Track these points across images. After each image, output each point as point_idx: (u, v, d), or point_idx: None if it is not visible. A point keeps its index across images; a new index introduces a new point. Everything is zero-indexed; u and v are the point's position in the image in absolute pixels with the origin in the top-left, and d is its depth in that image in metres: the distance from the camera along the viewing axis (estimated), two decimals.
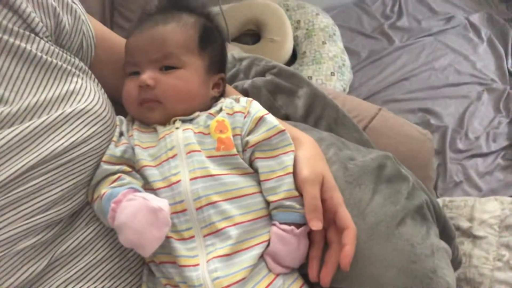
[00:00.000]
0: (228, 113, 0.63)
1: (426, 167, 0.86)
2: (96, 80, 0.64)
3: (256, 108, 0.64)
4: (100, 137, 0.58)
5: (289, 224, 0.58)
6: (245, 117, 0.62)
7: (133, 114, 0.65)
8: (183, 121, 0.62)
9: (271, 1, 1.71)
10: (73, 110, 0.56)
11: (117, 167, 0.59)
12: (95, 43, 0.66)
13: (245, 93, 0.82)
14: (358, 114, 0.86)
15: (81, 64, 0.62)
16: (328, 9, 1.81)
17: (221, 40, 0.70)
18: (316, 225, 0.56)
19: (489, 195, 1.21)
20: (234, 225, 0.56)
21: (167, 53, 0.63)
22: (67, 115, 0.55)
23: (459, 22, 1.79)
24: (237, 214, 0.57)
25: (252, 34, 1.72)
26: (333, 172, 0.64)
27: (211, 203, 0.56)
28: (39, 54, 0.57)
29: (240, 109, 0.63)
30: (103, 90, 0.64)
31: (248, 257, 0.56)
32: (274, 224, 0.59)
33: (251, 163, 0.61)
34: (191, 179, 0.57)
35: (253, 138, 0.61)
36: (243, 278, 0.55)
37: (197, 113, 0.63)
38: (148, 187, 0.59)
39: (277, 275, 0.58)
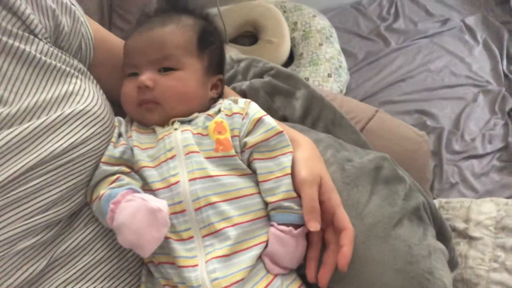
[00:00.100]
0: (226, 114, 0.63)
1: (423, 169, 0.86)
2: (94, 81, 0.64)
3: (255, 110, 0.64)
4: (99, 138, 0.59)
5: (287, 225, 0.58)
6: (243, 118, 0.63)
7: (131, 115, 0.66)
8: (182, 122, 0.63)
9: (268, 3, 1.72)
10: (72, 111, 0.56)
11: (116, 168, 0.59)
12: (93, 45, 0.66)
13: (243, 94, 0.82)
14: (355, 115, 0.86)
15: (80, 65, 0.63)
16: (325, 11, 1.82)
17: (219, 41, 0.71)
18: (314, 226, 0.57)
19: (485, 196, 1.22)
20: (233, 225, 0.56)
21: (166, 55, 0.63)
22: (66, 116, 0.56)
23: (455, 25, 1.80)
24: (236, 215, 0.57)
25: (250, 36, 1.72)
26: (331, 173, 0.64)
27: (210, 204, 0.56)
28: (38, 55, 0.57)
29: (239, 111, 0.63)
30: (101, 91, 0.64)
31: (247, 258, 0.56)
32: (272, 225, 0.59)
33: (249, 164, 0.62)
34: (190, 180, 0.57)
35: (251, 139, 0.61)
36: (242, 279, 0.55)
37: (195, 114, 0.64)
38: (147, 188, 0.59)
39: (275, 275, 0.58)
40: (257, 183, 0.61)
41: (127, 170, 0.60)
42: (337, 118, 0.80)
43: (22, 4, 0.56)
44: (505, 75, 1.63)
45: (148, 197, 0.54)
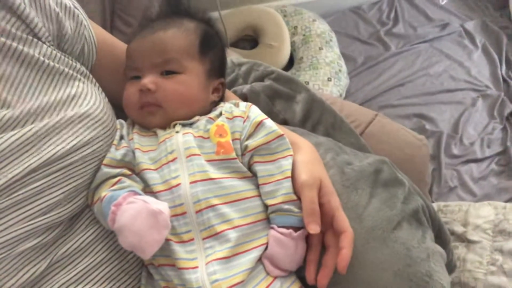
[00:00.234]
0: (227, 118, 0.63)
1: (422, 172, 0.87)
2: (97, 84, 0.64)
3: (256, 113, 0.64)
4: (101, 140, 0.59)
5: (287, 227, 0.59)
6: (244, 122, 0.63)
7: (133, 118, 0.66)
8: (183, 125, 0.63)
9: (269, 7, 1.73)
10: (74, 114, 0.57)
11: (117, 170, 0.59)
12: (96, 48, 0.67)
13: (244, 98, 0.83)
14: (355, 119, 0.87)
15: (83, 68, 0.63)
16: (325, 15, 1.83)
17: (221, 45, 0.71)
18: (314, 228, 0.57)
19: (483, 200, 1.22)
20: (233, 228, 0.57)
21: (168, 58, 0.63)
22: (68, 119, 0.56)
23: (454, 29, 1.81)
24: (236, 217, 0.58)
25: (250, 40, 1.73)
26: (331, 176, 0.64)
27: (211, 206, 0.57)
28: (41, 58, 0.57)
29: (240, 114, 0.64)
30: (104, 94, 0.64)
31: (247, 260, 0.56)
32: (272, 228, 0.59)
33: (250, 167, 0.62)
34: (190, 183, 0.57)
35: (252, 143, 0.61)
36: (242, 281, 0.55)
37: (197, 117, 0.64)
38: (148, 190, 0.59)
39: (275, 278, 0.58)
40: (257, 186, 0.61)
41: (129, 172, 0.60)
42: (337, 121, 0.81)
43: (26, 7, 0.57)
44: (504, 80, 1.64)
45: (149, 199, 0.55)
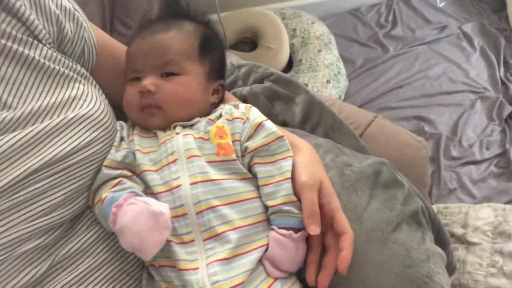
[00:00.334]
0: (227, 119, 0.64)
1: (421, 174, 0.87)
2: (97, 86, 0.65)
3: (255, 114, 0.65)
4: (101, 142, 0.59)
5: (287, 228, 0.59)
6: (244, 123, 0.63)
7: (133, 120, 0.66)
8: (183, 127, 0.63)
9: (268, 10, 1.73)
10: (75, 116, 0.57)
11: (118, 172, 0.59)
12: (96, 50, 0.67)
13: (244, 99, 0.83)
14: (354, 121, 0.87)
15: (83, 70, 0.63)
16: (324, 18, 1.83)
17: (220, 47, 0.72)
18: (314, 230, 0.57)
19: (482, 202, 1.23)
20: (233, 229, 0.57)
21: (168, 60, 0.64)
22: (69, 120, 0.56)
23: (452, 32, 1.81)
24: (237, 219, 0.58)
25: (249, 42, 1.74)
26: (330, 177, 0.65)
27: (211, 208, 0.57)
28: (42, 60, 0.57)
29: (240, 115, 0.64)
30: (104, 96, 0.64)
31: (247, 261, 0.56)
32: (272, 229, 0.59)
33: (250, 168, 0.62)
34: (191, 184, 0.57)
35: (252, 144, 0.62)
36: (242, 282, 0.55)
37: (197, 119, 0.64)
38: (148, 191, 0.59)
39: (275, 279, 0.58)
40: (257, 187, 0.61)
41: (129, 174, 0.60)
42: (337, 123, 0.81)
43: (27, 10, 0.57)
44: (502, 82, 1.65)
45: (150, 200, 0.55)
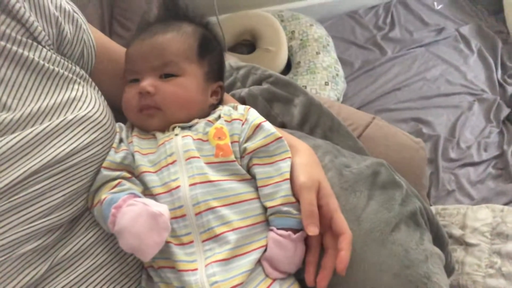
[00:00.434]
0: (226, 120, 0.64)
1: (419, 175, 0.87)
2: (96, 88, 0.65)
3: (254, 116, 0.65)
4: (101, 143, 0.59)
5: (286, 229, 0.59)
6: (243, 124, 0.64)
7: (132, 121, 0.66)
8: (182, 128, 0.63)
9: (266, 12, 1.74)
10: (74, 117, 0.57)
11: (117, 173, 0.59)
12: (95, 52, 0.67)
13: (242, 101, 0.83)
14: (352, 122, 0.87)
15: (82, 72, 0.63)
16: (322, 20, 1.84)
17: (219, 49, 0.72)
18: (313, 230, 0.57)
19: (481, 203, 1.23)
20: (232, 230, 0.57)
21: (167, 61, 0.64)
22: (68, 122, 0.56)
23: (450, 34, 1.82)
24: (236, 220, 0.58)
25: (247, 44, 1.74)
26: (329, 178, 0.65)
27: (210, 209, 0.57)
28: (41, 62, 0.58)
29: (238, 117, 0.64)
30: (103, 98, 0.65)
31: (246, 262, 0.57)
32: (271, 230, 0.59)
33: (248, 170, 0.62)
34: (190, 185, 0.58)
35: (250, 145, 0.62)
36: (241, 283, 0.55)
37: (196, 120, 0.65)
38: (147, 192, 0.59)
39: (274, 280, 0.59)
40: (256, 188, 0.61)
41: (128, 175, 0.60)
42: (335, 124, 0.81)
43: (26, 11, 0.57)
44: (500, 84, 1.65)
45: (150, 201, 0.55)
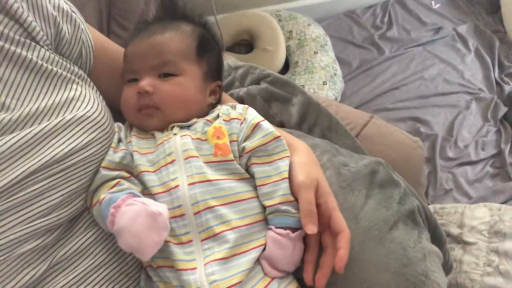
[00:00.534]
0: (225, 120, 0.64)
1: (417, 174, 0.88)
2: (95, 88, 0.65)
3: (253, 115, 0.65)
4: (99, 143, 0.59)
5: (285, 228, 0.59)
6: (241, 124, 0.64)
7: (131, 121, 0.66)
8: (181, 127, 0.63)
9: (264, 12, 1.74)
10: (73, 117, 0.57)
11: (115, 173, 0.59)
12: (94, 52, 0.67)
13: (241, 100, 0.83)
14: (350, 121, 0.87)
15: (81, 72, 0.63)
16: (320, 20, 1.84)
17: (217, 48, 0.72)
18: (311, 229, 0.57)
19: (478, 202, 1.23)
20: (231, 229, 0.57)
21: (165, 61, 0.64)
22: (67, 122, 0.56)
23: (447, 33, 1.82)
24: (234, 219, 0.58)
25: (245, 44, 1.74)
26: (327, 177, 0.65)
27: (209, 208, 0.57)
28: (39, 62, 0.58)
29: (237, 116, 0.64)
30: (101, 97, 0.65)
31: (245, 261, 0.57)
32: (270, 229, 0.60)
33: (247, 169, 0.62)
34: (189, 184, 0.58)
35: (249, 144, 0.62)
36: (240, 282, 0.55)
37: (194, 120, 0.65)
38: (146, 192, 0.59)
39: (273, 278, 0.59)
40: (255, 187, 0.61)
41: (127, 175, 0.60)
42: (333, 124, 0.81)
43: (24, 11, 0.57)
44: (497, 83, 1.66)
45: (148, 201, 0.55)
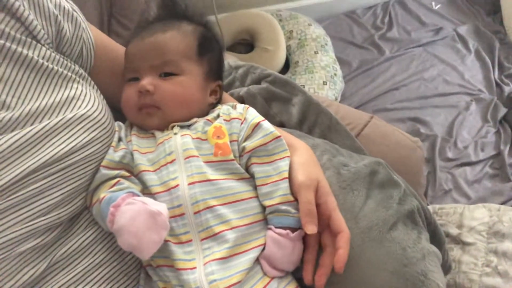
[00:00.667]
0: (225, 119, 0.64)
1: (417, 174, 0.88)
2: (95, 87, 0.65)
3: (253, 115, 0.65)
4: (99, 142, 0.59)
5: (284, 228, 0.59)
6: (242, 123, 0.64)
7: (132, 120, 0.66)
8: (181, 127, 0.64)
9: (265, 12, 1.74)
10: (73, 116, 0.57)
11: (115, 172, 0.59)
12: (94, 51, 0.67)
13: (241, 100, 0.83)
14: (350, 122, 0.87)
15: (81, 71, 0.63)
16: (320, 20, 1.84)
17: (218, 48, 0.72)
18: (311, 229, 0.57)
19: (477, 203, 1.23)
20: (231, 229, 0.57)
21: (166, 60, 0.64)
22: (67, 121, 0.56)
23: (447, 34, 1.83)
24: (234, 218, 0.58)
25: (246, 44, 1.74)
26: (327, 177, 0.65)
27: (209, 207, 0.57)
28: (40, 60, 0.58)
29: (237, 116, 0.64)
30: (102, 96, 0.65)
31: (245, 260, 0.57)
32: (270, 228, 0.60)
33: (247, 168, 0.62)
34: (189, 184, 0.58)
35: (249, 144, 0.62)
36: (239, 281, 0.55)
37: (195, 119, 0.65)
38: (146, 191, 0.60)
39: (272, 278, 0.59)
40: (255, 187, 0.62)
41: (127, 174, 0.60)
42: (333, 124, 0.81)
43: (25, 10, 0.57)
44: (497, 84, 1.66)
45: (148, 200, 0.55)
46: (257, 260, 0.59)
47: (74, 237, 0.58)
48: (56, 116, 0.56)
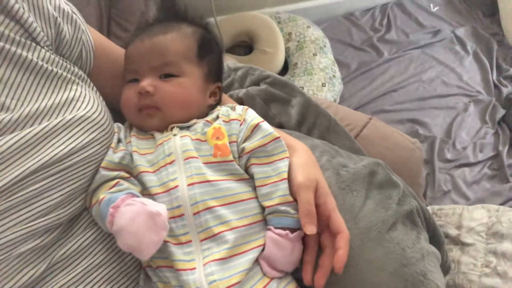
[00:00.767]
0: (224, 121, 0.64)
1: (416, 175, 0.88)
2: (94, 88, 0.65)
3: (252, 116, 0.65)
4: (99, 143, 0.59)
5: (284, 228, 0.59)
6: (241, 125, 0.64)
7: (131, 121, 0.67)
8: (181, 128, 0.64)
9: (263, 14, 1.74)
10: (73, 117, 0.57)
11: (115, 173, 0.60)
12: (94, 52, 0.68)
13: (240, 101, 0.83)
14: (349, 123, 0.88)
15: (81, 72, 0.64)
16: (319, 22, 1.85)
17: (218, 50, 0.72)
18: (310, 229, 0.57)
19: (476, 203, 1.23)
20: (230, 229, 0.57)
21: (166, 61, 0.64)
22: (67, 122, 0.56)
23: (445, 36, 1.83)
24: (234, 219, 0.58)
25: (245, 46, 1.74)
26: (326, 178, 0.65)
27: (208, 208, 0.57)
28: (40, 62, 0.58)
29: (236, 117, 0.65)
30: (101, 98, 0.65)
31: (244, 261, 0.57)
32: (269, 229, 0.60)
33: (246, 169, 0.63)
34: (188, 185, 0.58)
35: (249, 145, 0.62)
36: (239, 282, 0.56)
37: (194, 120, 0.65)
38: (146, 192, 0.60)
39: (271, 279, 0.59)
40: (254, 188, 0.62)
41: (126, 175, 0.60)
42: (332, 125, 0.81)
43: (25, 12, 0.57)
44: (495, 85, 1.66)
45: (148, 201, 0.55)
46: (256, 261, 0.59)
47: (74, 238, 0.58)
48: (56, 118, 0.56)
